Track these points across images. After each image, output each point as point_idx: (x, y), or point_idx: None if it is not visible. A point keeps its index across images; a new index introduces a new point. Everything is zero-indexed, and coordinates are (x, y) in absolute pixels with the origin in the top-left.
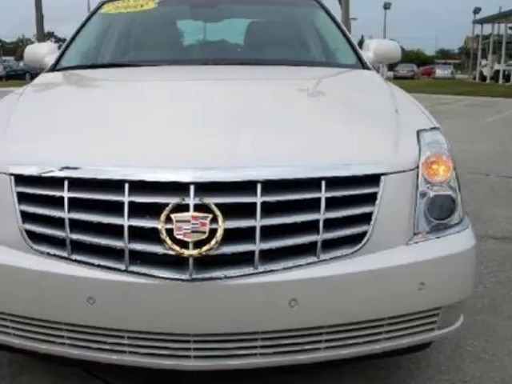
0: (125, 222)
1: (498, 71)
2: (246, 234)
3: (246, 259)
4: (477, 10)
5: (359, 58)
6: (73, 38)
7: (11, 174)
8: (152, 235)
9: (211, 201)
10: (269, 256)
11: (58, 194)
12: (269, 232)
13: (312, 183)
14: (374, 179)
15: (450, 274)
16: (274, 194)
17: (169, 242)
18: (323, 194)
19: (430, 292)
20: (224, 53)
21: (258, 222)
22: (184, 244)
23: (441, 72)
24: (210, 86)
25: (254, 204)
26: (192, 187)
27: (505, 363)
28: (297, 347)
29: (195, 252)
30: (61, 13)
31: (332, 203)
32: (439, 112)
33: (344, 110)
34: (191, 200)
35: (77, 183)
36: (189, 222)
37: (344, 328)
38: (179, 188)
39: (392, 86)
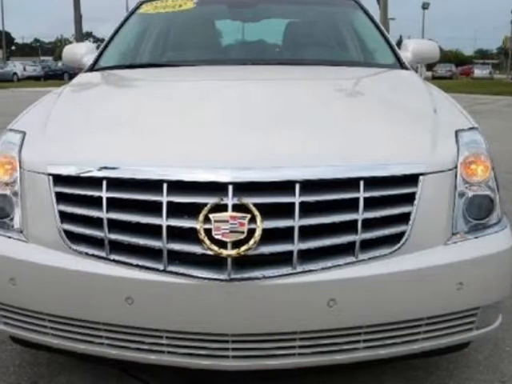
0: (163, 221)
1: None
2: (285, 234)
3: (284, 259)
4: None
5: (397, 58)
6: (111, 38)
7: (49, 174)
8: (190, 235)
9: (249, 201)
10: (307, 256)
11: (96, 193)
12: (307, 232)
13: (350, 183)
14: (412, 179)
15: (489, 274)
16: (313, 194)
17: (207, 242)
18: (361, 194)
19: (468, 292)
20: (262, 53)
21: (296, 222)
22: (222, 244)
23: (479, 72)
24: (249, 86)
25: (293, 204)
26: (230, 187)
27: None
28: (335, 347)
29: (233, 252)
30: (99, 13)
31: (370, 203)
32: (477, 112)
33: (382, 109)
34: (229, 200)
35: (115, 183)
36: (227, 221)
37: (382, 328)
38: (218, 188)
39: (430, 86)
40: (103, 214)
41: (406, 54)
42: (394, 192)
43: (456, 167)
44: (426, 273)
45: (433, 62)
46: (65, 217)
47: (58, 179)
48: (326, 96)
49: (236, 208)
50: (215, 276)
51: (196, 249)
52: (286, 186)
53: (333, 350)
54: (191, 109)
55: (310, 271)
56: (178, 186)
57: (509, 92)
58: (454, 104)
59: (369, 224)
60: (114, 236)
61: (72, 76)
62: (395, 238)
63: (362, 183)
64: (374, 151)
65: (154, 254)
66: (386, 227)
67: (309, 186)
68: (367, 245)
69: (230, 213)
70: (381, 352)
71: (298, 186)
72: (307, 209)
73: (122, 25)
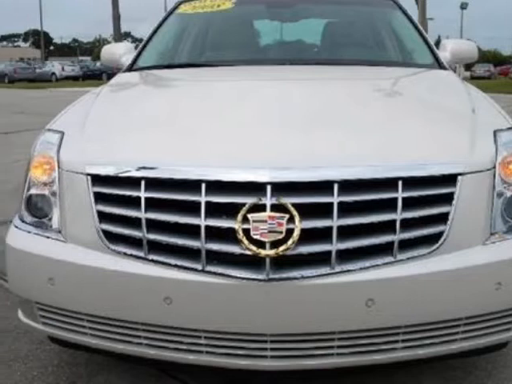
0: (201, 222)
1: None
2: (323, 234)
3: (322, 259)
4: None
5: (436, 58)
6: (149, 38)
7: (88, 174)
8: (228, 235)
9: (288, 201)
10: (345, 256)
11: (134, 193)
12: (345, 232)
13: (389, 183)
14: (450, 179)
15: None
16: (351, 194)
17: (245, 242)
18: (400, 194)
19: (506, 292)
20: (301, 53)
21: (334, 222)
22: (260, 244)
23: None
24: (287, 86)
25: (331, 204)
26: (269, 187)
27: None
28: (373, 347)
29: (272, 252)
30: (138, 13)
31: (409, 203)
32: None
33: (421, 109)
34: (268, 200)
35: (153, 183)
36: (265, 222)
37: (421, 328)
38: (256, 188)
39: (469, 86)
40: (141, 214)
41: (444, 54)
42: (433, 192)
43: (494, 167)
44: (464, 273)
45: (471, 62)
46: (103, 217)
47: (97, 179)
48: (365, 96)
49: (274, 208)
50: (253, 276)
51: (234, 249)
52: (324, 186)
53: (371, 350)
54: (229, 109)
55: (349, 271)
56: (216, 186)
57: None
58: (492, 104)
59: (407, 224)
60: (152, 236)
61: (110, 76)
62: (433, 238)
63: (400, 183)
64: (413, 151)
65: (192, 254)
66: (424, 227)
67: (347, 186)
68: (405, 245)
69: (268, 213)
70: (419, 352)
71: (336, 186)
72: (345, 209)
73: (160, 25)
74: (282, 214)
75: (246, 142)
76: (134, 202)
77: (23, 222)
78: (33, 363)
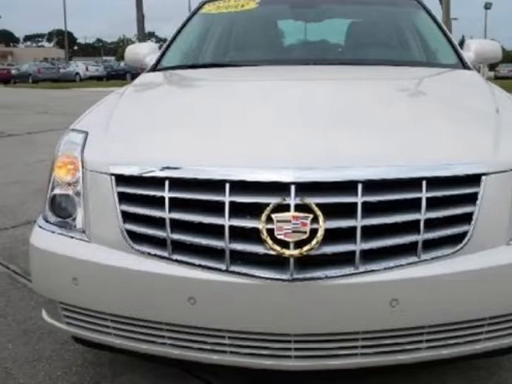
0: (225, 222)
1: None
2: (347, 234)
3: (346, 259)
4: None
5: (460, 58)
6: (173, 38)
7: (112, 174)
8: (252, 235)
9: (312, 201)
10: (369, 256)
11: (158, 194)
12: (369, 232)
13: (413, 183)
14: (474, 179)
15: None
16: (375, 194)
17: (270, 242)
18: (424, 194)
19: None
20: (325, 53)
21: (358, 222)
22: (284, 244)
23: None
24: (311, 86)
25: (355, 204)
26: (293, 187)
27: None
28: (398, 347)
29: (296, 252)
30: (162, 13)
31: (433, 203)
32: None
33: (444, 109)
34: (292, 200)
35: (177, 183)
36: (289, 222)
37: (445, 328)
38: (280, 188)
39: (493, 86)
40: (165, 214)
41: (468, 54)
42: (457, 192)
43: None
44: (488, 273)
45: (495, 62)
46: (127, 217)
47: (121, 179)
48: (389, 96)
49: (298, 208)
50: (277, 276)
51: (258, 249)
52: (348, 186)
53: (395, 350)
54: (253, 109)
55: (373, 271)
56: (240, 186)
57: None
58: None
59: (431, 224)
60: (176, 236)
61: (134, 76)
62: (458, 238)
63: (424, 183)
64: (437, 151)
65: (216, 254)
66: (448, 227)
67: (371, 186)
68: (430, 245)
69: (292, 213)
70: (443, 352)
71: (360, 186)
72: (370, 209)
73: (184, 25)
74: (305, 214)
75: (269, 142)
76: (157, 202)
77: (47, 222)
78: (57, 363)
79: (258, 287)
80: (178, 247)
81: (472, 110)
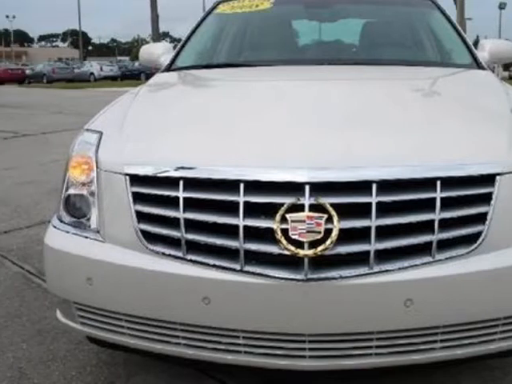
0: (240, 221)
1: None
2: (361, 234)
3: (360, 259)
4: None
5: (474, 58)
6: (188, 38)
7: (126, 174)
8: (267, 235)
9: (326, 201)
10: (384, 256)
11: (173, 193)
12: (384, 232)
13: (427, 183)
14: (489, 179)
15: None
16: (390, 194)
17: (284, 242)
18: (438, 194)
19: None
20: (339, 53)
21: (373, 222)
22: (299, 244)
23: None
24: (325, 86)
25: (370, 204)
26: (307, 187)
27: None
28: (412, 347)
29: (310, 252)
30: (176, 13)
31: (447, 203)
32: None
33: (458, 109)
34: (306, 200)
35: (192, 183)
36: (304, 222)
37: (459, 328)
38: (294, 188)
39: (507, 86)
40: (180, 214)
41: (482, 54)
42: (471, 192)
43: None
44: (503, 272)
45: (510, 61)
46: (141, 217)
47: (135, 179)
48: (403, 96)
49: (312, 208)
50: (292, 276)
51: (272, 249)
52: (362, 186)
53: (410, 350)
54: (268, 109)
55: (387, 271)
56: (254, 186)
57: None
58: None
59: (445, 224)
60: (190, 236)
61: (149, 76)
62: (472, 238)
63: (438, 183)
64: (451, 151)
65: (230, 253)
66: (462, 227)
67: (386, 186)
68: (444, 245)
69: (306, 213)
70: (458, 352)
71: (374, 186)
72: (384, 209)
73: (198, 25)
74: (320, 214)
75: (284, 142)
76: (172, 202)
77: (61, 222)
78: (71, 363)
79: (273, 287)
80: (193, 247)
81: (486, 109)
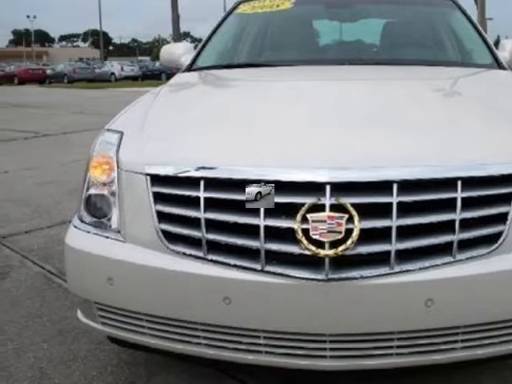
0: (261, 221)
1: None
2: (382, 234)
3: (381, 259)
4: None
5: (495, 58)
6: (209, 38)
7: (147, 174)
8: (287, 235)
9: (347, 201)
10: (404, 256)
11: (194, 194)
12: (405, 232)
13: (448, 183)
14: (510, 179)
15: None
16: (410, 194)
17: (305, 242)
18: (459, 194)
19: None
20: (360, 53)
21: (394, 222)
22: (319, 244)
23: None
24: (346, 86)
25: (390, 204)
26: (328, 187)
27: None
28: (433, 347)
29: (331, 252)
30: (197, 13)
31: (468, 203)
32: None
33: (479, 109)
34: (327, 200)
35: (213, 183)
36: (325, 222)
37: (480, 328)
38: (315, 188)
39: None
40: (201, 214)
41: (503, 54)
42: (492, 192)
43: None
44: None
45: None
46: (162, 217)
47: (156, 179)
48: (424, 96)
49: (333, 208)
50: (313, 276)
51: (293, 249)
52: (383, 186)
53: (430, 350)
54: (288, 109)
55: (408, 271)
56: (275, 186)
57: None
58: None
59: (466, 224)
60: (211, 236)
61: (169, 76)
62: (493, 238)
63: (459, 183)
64: (472, 151)
65: (251, 254)
66: (483, 227)
67: (406, 186)
68: (465, 245)
69: (327, 213)
70: (478, 352)
71: (395, 186)
72: (405, 209)
73: (219, 25)
74: (341, 214)
75: (304, 142)
76: (193, 202)
77: (82, 221)
78: (92, 363)
79: (293, 287)
80: (213, 247)
81: (507, 110)
